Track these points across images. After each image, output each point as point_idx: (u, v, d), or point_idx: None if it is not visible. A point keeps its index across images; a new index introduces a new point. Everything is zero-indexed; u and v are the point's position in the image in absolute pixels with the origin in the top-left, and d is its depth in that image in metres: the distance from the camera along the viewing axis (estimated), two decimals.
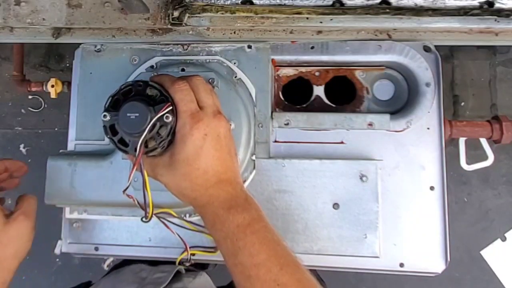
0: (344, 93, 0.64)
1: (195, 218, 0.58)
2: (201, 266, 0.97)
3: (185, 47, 0.61)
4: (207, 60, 0.61)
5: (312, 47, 0.60)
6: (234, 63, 0.60)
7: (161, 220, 0.55)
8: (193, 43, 0.61)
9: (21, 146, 1.54)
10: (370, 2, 0.59)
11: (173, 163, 0.45)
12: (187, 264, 0.58)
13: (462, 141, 0.63)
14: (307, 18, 0.59)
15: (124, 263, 0.70)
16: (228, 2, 0.60)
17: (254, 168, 0.58)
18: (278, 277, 0.41)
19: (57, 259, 1.45)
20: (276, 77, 0.64)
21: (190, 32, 0.61)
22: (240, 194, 0.46)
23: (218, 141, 0.46)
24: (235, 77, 0.59)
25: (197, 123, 0.44)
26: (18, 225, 0.49)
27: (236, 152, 0.50)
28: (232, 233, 0.43)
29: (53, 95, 0.88)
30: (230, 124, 0.54)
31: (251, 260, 0.42)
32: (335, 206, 0.57)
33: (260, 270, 0.41)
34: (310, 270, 0.87)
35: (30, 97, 1.53)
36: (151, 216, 0.51)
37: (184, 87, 0.46)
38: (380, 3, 0.58)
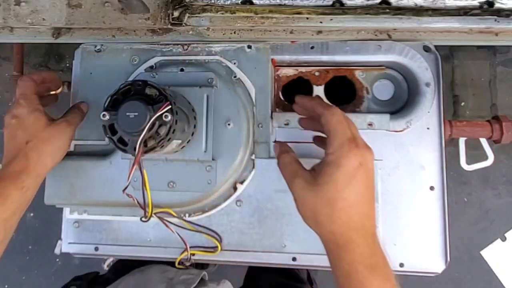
0: (344, 93, 0.64)
1: (195, 218, 0.58)
2: (201, 266, 0.97)
3: (185, 47, 0.61)
4: (206, 60, 0.61)
5: (312, 47, 0.60)
6: (234, 63, 0.60)
7: (161, 220, 0.55)
8: (193, 43, 0.61)
9: None
10: (370, 2, 0.59)
11: (319, 183, 0.42)
12: (187, 264, 0.58)
13: (462, 141, 0.63)
14: (307, 18, 0.59)
15: (131, 264, 0.70)
16: (228, 2, 0.60)
17: (253, 167, 0.58)
18: None
19: (57, 259, 1.45)
20: (276, 77, 0.64)
21: (190, 32, 0.61)
22: (380, 252, 0.42)
23: (369, 177, 0.42)
24: (235, 77, 0.59)
25: (356, 148, 0.42)
26: (59, 127, 0.53)
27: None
28: None
29: None
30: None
31: None
32: None
33: None
34: (304, 270, 0.86)
35: None
36: (151, 216, 0.51)
37: (339, 112, 0.45)
38: (380, 3, 0.58)
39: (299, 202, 0.44)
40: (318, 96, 0.52)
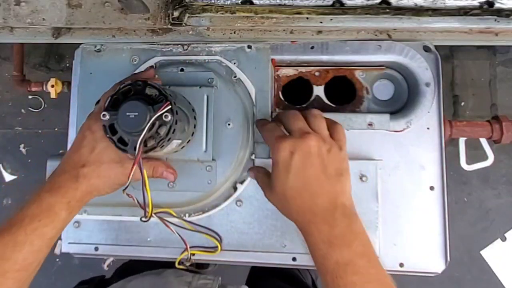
0: (344, 93, 0.64)
1: (195, 218, 0.58)
2: (201, 266, 0.97)
3: (185, 47, 0.61)
4: (206, 60, 0.61)
5: (312, 47, 0.60)
6: (234, 63, 0.60)
7: (161, 220, 0.55)
8: (193, 43, 0.61)
9: (21, 146, 1.54)
10: (370, 2, 0.59)
11: (272, 185, 0.48)
12: (187, 264, 0.58)
13: (462, 141, 0.64)
14: (307, 18, 0.59)
15: (137, 266, 0.70)
16: (228, 2, 0.60)
17: None
18: None
19: (57, 259, 1.45)
20: (276, 77, 0.64)
21: (190, 32, 0.61)
22: (341, 223, 0.44)
23: (307, 158, 0.45)
24: (234, 77, 0.60)
25: (283, 142, 0.46)
26: (121, 171, 0.48)
27: (342, 171, 0.47)
28: (331, 270, 0.42)
29: (53, 95, 0.88)
30: (344, 146, 0.50)
31: None
32: None
33: None
34: (308, 275, 0.86)
35: (30, 97, 1.53)
36: (151, 216, 0.51)
37: (270, 126, 0.51)
38: (380, 3, 0.58)
39: (276, 207, 0.49)
40: (264, 120, 0.56)
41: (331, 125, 0.50)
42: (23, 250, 0.44)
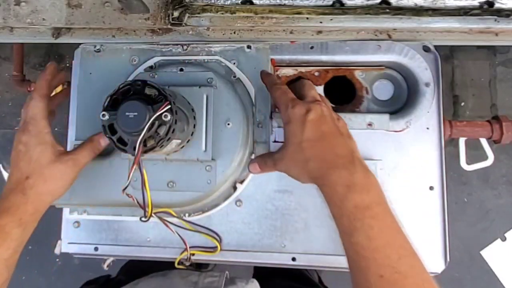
0: (343, 93, 0.64)
1: (195, 218, 0.58)
2: (200, 266, 0.97)
3: (185, 47, 0.61)
4: (206, 60, 0.61)
5: (312, 47, 0.60)
6: (234, 63, 0.60)
7: (161, 220, 0.55)
8: (193, 43, 0.61)
9: None
10: (370, 2, 0.59)
11: (286, 145, 0.49)
12: (187, 264, 0.58)
13: (462, 141, 0.63)
14: (307, 18, 0.59)
15: (143, 266, 0.70)
16: (228, 2, 0.60)
17: None
18: (397, 265, 0.40)
19: (57, 259, 1.45)
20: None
21: (190, 32, 0.61)
22: (360, 171, 0.45)
23: (321, 117, 0.47)
24: (234, 77, 0.60)
25: (299, 103, 0.48)
26: (63, 166, 0.50)
27: (351, 135, 0.50)
28: (349, 212, 0.43)
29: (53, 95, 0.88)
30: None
31: (368, 243, 0.42)
32: None
33: (378, 254, 0.41)
34: (314, 273, 0.86)
35: None
36: (150, 215, 0.51)
37: (282, 87, 0.51)
38: (380, 3, 0.58)
39: (290, 173, 0.50)
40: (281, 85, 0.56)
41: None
42: None
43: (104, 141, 0.55)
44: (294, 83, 0.55)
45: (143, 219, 0.51)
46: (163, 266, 0.62)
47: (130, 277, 0.63)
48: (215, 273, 0.60)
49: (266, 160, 0.53)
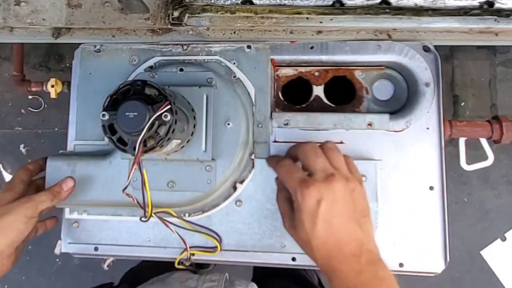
0: (343, 93, 0.64)
1: (195, 218, 0.58)
2: (200, 266, 0.97)
3: (185, 47, 0.61)
4: (206, 60, 0.61)
5: (312, 47, 0.60)
6: (234, 63, 0.60)
7: (161, 220, 0.55)
8: (193, 43, 0.61)
9: (21, 146, 1.54)
10: (370, 2, 0.59)
11: (294, 226, 0.46)
12: (187, 264, 0.58)
13: (462, 141, 0.63)
14: (307, 18, 0.59)
15: (145, 272, 0.70)
16: (228, 2, 0.60)
17: (253, 167, 0.58)
18: None
19: (57, 259, 1.45)
20: (275, 77, 0.64)
21: (190, 32, 0.61)
22: (368, 270, 0.43)
23: (334, 205, 0.44)
24: (234, 77, 0.60)
25: (308, 188, 0.44)
26: (15, 204, 0.51)
27: (366, 212, 0.47)
28: None
29: (53, 95, 0.88)
30: (362, 178, 0.50)
31: None
32: None
33: None
34: (314, 276, 0.85)
35: (30, 97, 1.53)
36: (150, 215, 0.51)
37: (286, 162, 0.49)
38: (380, 3, 0.58)
39: (293, 238, 0.49)
40: (274, 158, 0.55)
41: (345, 158, 0.49)
42: None
43: (66, 184, 0.56)
44: (295, 145, 0.52)
45: (143, 219, 0.51)
46: (163, 270, 0.62)
47: (133, 285, 0.63)
48: (214, 276, 0.60)
49: (282, 205, 0.51)
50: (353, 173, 0.49)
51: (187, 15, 0.59)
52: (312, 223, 0.44)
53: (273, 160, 0.55)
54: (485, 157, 0.64)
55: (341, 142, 0.59)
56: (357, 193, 0.46)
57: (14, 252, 0.52)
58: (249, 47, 0.60)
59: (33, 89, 0.94)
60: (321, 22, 0.59)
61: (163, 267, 0.63)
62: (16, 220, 0.50)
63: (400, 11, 0.58)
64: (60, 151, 0.62)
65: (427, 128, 0.58)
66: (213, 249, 0.58)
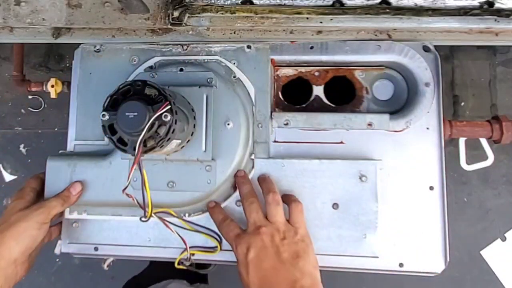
0: (343, 93, 0.64)
1: (195, 218, 0.58)
2: (201, 266, 0.97)
3: (185, 47, 0.61)
4: (206, 60, 0.61)
5: (312, 47, 0.60)
6: (234, 63, 0.60)
7: (160, 219, 0.55)
8: (193, 43, 0.61)
9: (21, 146, 1.54)
10: (370, 2, 0.59)
11: (239, 276, 0.51)
12: (187, 264, 0.58)
13: (462, 141, 0.63)
14: (307, 18, 0.59)
15: (144, 282, 0.70)
16: (228, 2, 0.60)
17: (253, 167, 0.58)
18: None
19: (57, 259, 1.45)
20: (275, 77, 0.64)
21: (190, 32, 0.61)
22: None
23: (262, 252, 0.49)
24: (234, 76, 0.60)
25: (238, 240, 0.51)
26: (28, 211, 0.52)
27: (299, 254, 0.50)
28: None
29: (53, 95, 0.88)
30: (303, 227, 0.53)
31: None
32: (335, 206, 0.57)
33: None
34: None
35: (30, 97, 1.53)
36: (150, 215, 0.51)
37: (225, 222, 0.54)
38: (380, 3, 0.58)
39: None
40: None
41: (290, 206, 0.54)
42: None
43: (74, 188, 0.57)
44: (242, 190, 0.55)
45: (143, 219, 0.51)
46: (161, 281, 0.62)
47: None
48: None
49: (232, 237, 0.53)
50: (292, 220, 0.53)
51: (187, 15, 0.59)
52: (246, 271, 0.49)
53: (217, 217, 0.56)
54: (485, 157, 0.64)
55: (341, 142, 0.59)
56: (288, 239, 0.51)
57: (28, 260, 0.53)
58: (249, 47, 0.60)
59: (33, 89, 0.94)
60: (321, 22, 0.59)
61: (159, 276, 0.63)
62: (29, 227, 0.51)
63: (400, 11, 0.58)
64: (60, 151, 0.62)
65: (427, 128, 0.58)
66: (213, 249, 0.58)
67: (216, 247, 0.57)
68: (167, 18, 0.60)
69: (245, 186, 0.55)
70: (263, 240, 0.49)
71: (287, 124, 0.59)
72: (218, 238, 0.58)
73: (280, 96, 0.64)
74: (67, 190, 0.56)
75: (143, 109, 0.42)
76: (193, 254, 0.58)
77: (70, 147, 0.62)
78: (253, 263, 0.49)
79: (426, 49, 0.59)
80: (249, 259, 0.49)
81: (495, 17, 0.57)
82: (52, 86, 0.86)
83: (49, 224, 0.54)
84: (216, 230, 0.58)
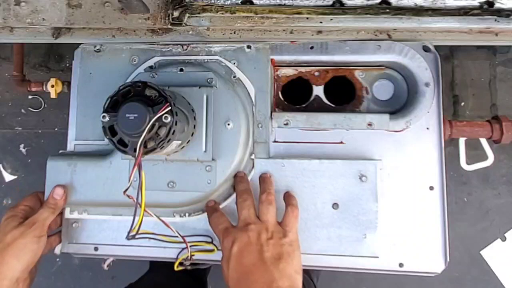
0: (343, 93, 0.64)
1: (195, 218, 0.58)
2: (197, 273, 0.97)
3: (185, 47, 0.61)
4: (206, 60, 0.61)
5: (312, 47, 0.60)
6: (234, 63, 0.60)
7: (160, 219, 0.55)
8: (193, 43, 0.61)
9: (21, 146, 1.54)
10: (370, 2, 0.58)
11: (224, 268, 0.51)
12: (187, 264, 0.58)
13: (462, 141, 0.63)
14: (307, 18, 0.59)
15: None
16: (228, 2, 0.60)
17: (253, 167, 0.58)
18: None
19: (57, 259, 1.45)
20: (275, 77, 0.64)
21: (190, 32, 0.61)
22: None
23: (245, 248, 0.49)
24: (234, 76, 0.60)
25: (226, 234, 0.51)
26: (23, 228, 0.52)
27: (281, 256, 0.49)
28: None
29: (53, 95, 0.88)
30: (293, 231, 0.53)
31: None
32: (335, 206, 0.57)
33: None
34: (307, 280, 0.86)
35: (30, 97, 1.52)
36: (137, 233, 0.49)
37: (215, 214, 0.54)
38: (380, 3, 0.58)
39: None
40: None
41: (286, 209, 0.54)
42: None
43: (57, 194, 0.56)
44: (238, 187, 0.56)
45: (129, 236, 0.50)
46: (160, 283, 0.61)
47: None
48: None
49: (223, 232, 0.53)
50: (284, 222, 0.53)
51: (187, 15, 0.59)
52: (227, 265, 0.49)
53: (209, 210, 0.56)
54: (485, 157, 0.64)
55: (341, 142, 0.59)
56: (274, 240, 0.50)
57: (29, 276, 0.53)
58: (249, 47, 0.60)
59: (33, 89, 0.94)
60: (321, 22, 0.59)
61: (161, 285, 0.63)
62: (28, 242, 0.52)
63: (400, 11, 0.58)
64: (60, 151, 0.62)
65: (427, 128, 0.58)
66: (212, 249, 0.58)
67: (213, 249, 0.57)
68: (167, 18, 0.60)
69: (242, 184, 0.55)
70: (249, 237, 0.49)
71: (287, 124, 0.59)
72: (209, 239, 0.58)
73: (280, 96, 0.64)
74: (51, 198, 0.56)
75: (144, 111, 0.42)
76: (193, 255, 0.58)
77: (70, 147, 0.62)
78: (235, 258, 0.49)
79: (426, 49, 0.59)
80: (232, 253, 0.49)
81: (495, 17, 0.57)
82: (52, 86, 0.86)
83: (46, 235, 0.54)
84: (206, 232, 0.58)
